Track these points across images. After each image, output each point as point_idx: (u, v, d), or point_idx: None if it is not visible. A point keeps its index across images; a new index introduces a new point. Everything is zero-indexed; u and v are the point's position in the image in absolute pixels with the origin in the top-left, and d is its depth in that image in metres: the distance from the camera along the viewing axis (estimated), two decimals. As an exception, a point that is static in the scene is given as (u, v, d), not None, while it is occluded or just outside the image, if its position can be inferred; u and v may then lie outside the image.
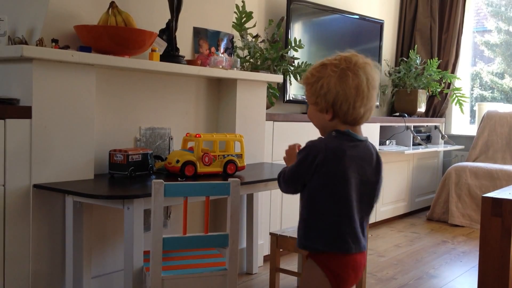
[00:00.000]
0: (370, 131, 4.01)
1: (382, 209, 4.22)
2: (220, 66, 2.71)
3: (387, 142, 4.45)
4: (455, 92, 4.93)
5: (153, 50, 2.39)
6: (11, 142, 1.94)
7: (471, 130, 5.19)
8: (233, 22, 3.12)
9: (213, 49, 2.92)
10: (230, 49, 3.04)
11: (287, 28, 3.59)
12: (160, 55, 2.45)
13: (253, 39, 3.20)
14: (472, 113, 5.32)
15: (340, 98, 1.49)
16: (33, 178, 2.01)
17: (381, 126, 4.22)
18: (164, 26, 2.55)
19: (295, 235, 2.29)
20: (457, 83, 5.07)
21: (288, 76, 3.45)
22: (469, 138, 5.06)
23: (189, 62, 2.61)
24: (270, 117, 3.08)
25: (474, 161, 4.68)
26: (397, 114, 4.78)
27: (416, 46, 5.01)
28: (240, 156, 2.46)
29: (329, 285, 1.50)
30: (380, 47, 4.54)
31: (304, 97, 3.80)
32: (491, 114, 4.80)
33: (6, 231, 1.95)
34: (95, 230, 2.27)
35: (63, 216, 2.11)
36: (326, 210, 1.50)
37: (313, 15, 3.88)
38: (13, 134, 1.95)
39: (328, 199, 1.49)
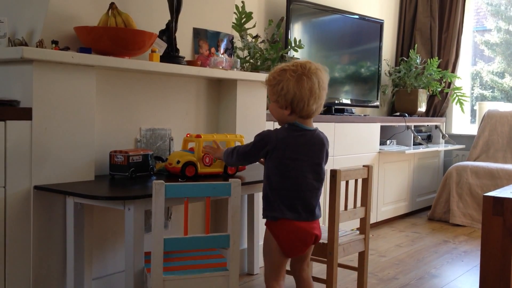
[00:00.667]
0: (370, 131, 4.01)
1: (383, 209, 4.22)
2: (220, 67, 2.71)
3: (388, 142, 4.44)
4: (455, 91, 4.93)
5: (153, 51, 2.39)
6: (12, 144, 1.94)
7: (472, 129, 5.19)
8: (233, 22, 3.12)
9: (213, 49, 2.92)
10: (230, 50, 3.04)
11: (287, 28, 3.59)
12: (160, 56, 2.45)
13: (253, 40, 3.20)
14: (473, 112, 5.32)
15: (297, 97, 1.86)
16: (33, 180, 2.01)
17: (381, 126, 4.22)
18: (164, 27, 2.55)
19: (296, 236, 2.30)
20: (457, 83, 5.07)
21: (288, 77, 3.44)
22: (470, 137, 5.06)
23: (189, 63, 2.61)
24: (270, 118, 3.07)
25: (475, 160, 4.68)
26: (398, 114, 4.78)
27: (416, 45, 5.01)
28: None
29: (277, 247, 1.88)
30: (380, 47, 4.53)
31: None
32: (491, 113, 4.80)
33: (7, 233, 1.95)
34: (96, 231, 2.27)
35: (64, 218, 2.11)
36: (279, 187, 1.87)
37: (313, 15, 3.88)
38: (14, 136, 1.95)
39: (280, 178, 1.87)
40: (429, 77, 4.79)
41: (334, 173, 2.21)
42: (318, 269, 2.83)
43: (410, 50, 4.89)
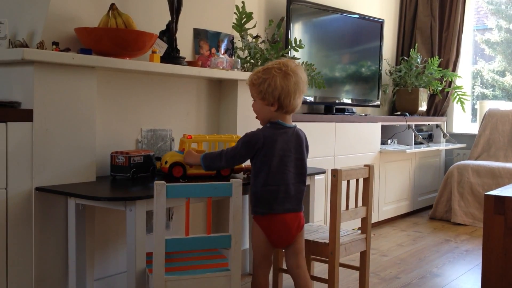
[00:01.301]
0: (371, 131, 4.01)
1: (385, 208, 4.22)
2: (221, 67, 2.71)
3: (389, 141, 4.44)
4: (456, 90, 4.92)
5: (153, 52, 2.39)
6: (13, 145, 1.94)
7: (473, 128, 5.19)
8: (233, 23, 3.12)
9: (213, 50, 2.92)
10: (231, 50, 3.04)
11: (287, 28, 3.59)
12: (161, 57, 2.45)
13: (254, 40, 3.20)
14: (474, 111, 5.31)
15: (284, 92, 1.98)
16: (35, 181, 2.01)
17: (382, 126, 4.22)
18: (164, 27, 2.55)
19: (297, 235, 2.30)
20: (458, 82, 5.07)
21: (289, 76, 3.44)
22: (471, 136, 5.06)
23: (190, 63, 2.61)
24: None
25: (476, 159, 4.67)
26: (399, 113, 4.77)
27: (416, 44, 5.01)
28: None
29: (265, 239, 2.02)
30: (380, 46, 4.53)
31: (305, 97, 3.80)
32: (492, 112, 4.79)
33: (8, 234, 1.95)
34: (97, 232, 2.27)
35: (66, 219, 2.11)
36: (267, 183, 1.99)
37: (313, 15, 3.88)
38: (15, 137, 1.95)
39: (267, 174, 1.98)
40: (429, 76, 4.79)
41: (335, 172, 2.21)
42: (319, 269, 2.83)
43: (411, 49, 4.88)
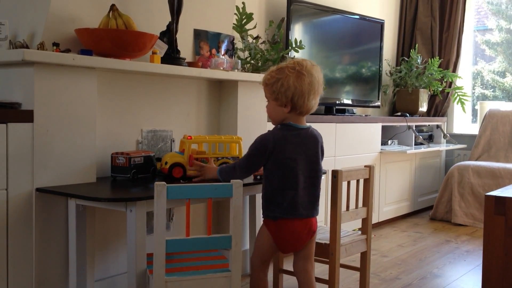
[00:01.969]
0: (372, 131, 4.01)
1: (385, 209, 4.22)
2: (221, 68, 2.71)
3: (389, 142, 4.44)
4: (456, 91, 4.92)
5: (154, 53, 2.39)
6: (13, 146, 1.94)
7: (473, 129, 5.19)
8: (234, 23, 3.12)
9: (213, 51, 2.92)
10: (231, 51, 3.04)
11: (288, 29, 3.59)
12: (161, 58, 2.45)
13: (254, 41, 3.20)
14: (474, 112, 5.31)
15: (297, 93, 1.91)
16: (35, 182, 2.01)
17: (383, 126, 4.22)
18: (164, 28, 2.56)
19: (298, 236, 2.29)
20: (458, 82, 5.07)
21: (289, 77, 3.44)
22: (471, 137, 5.06)
23: (190, 64, 2.61)
24: (271, 118, 3.08)
25: (476, 160, 4.67)
26: (399, 114, 4.77)
27: (417, 45, 5.01)
28: (237, 158, 2.42)
29: (272, 243, 1.97)
30: (380, 47, 4.53)
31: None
32: (493, 112, 4.79)
33: (9, 235, 1.95)
34: (98, 233, 2.27)
35: (66, 220, 2.11)
36: (278, 187, 1.92)
37: (314, 16, 3.88)
38: (15, 138, 1.95)
39: (279, 177, 1.92)
40: (430, 76, 4.79)
41: (335, 173, 2.21)
42: (320, 269, 2.83)
43: (411, 50, 4.88)
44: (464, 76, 5.15)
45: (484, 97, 5.39)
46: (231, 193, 1.80)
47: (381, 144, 4.21)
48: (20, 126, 1.96)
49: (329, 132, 3.57)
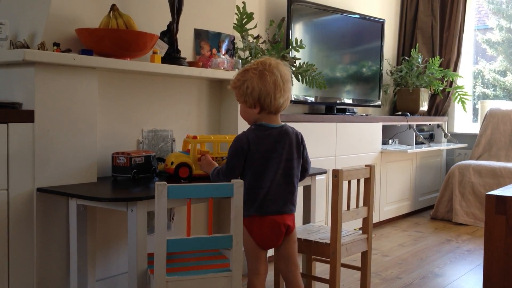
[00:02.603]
0: (372, 131, 4.01)
1: (386, 208, 4.22)
2: (222, 68, 2.71)
3: (390, 141, 4.44)
4: (457, 90, 4.92)
5: (154, 53, 2.39)
6: (14, 146, 1.94)
7: (474, 128, 5.19)
8: (234, 23, 3.12)
9: (214, 50, 2.92)
10: (231, 51, 3.04)
11: (288, 28, 3.59)
12: (162, 57, 2.45)
13: (254, 40, 3.20)
14: (475, 111, 5.31)
15: (263, 93, 1.93)
16: (36, 182, 2.01)
17: (383, 126, 4.22)
18: (165, 28, 2.56)
19: (299, 236, 2.29)
20: (459, 81, 5.06)
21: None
22: (472, 136, 5.06)
23: (191, 64, 2.61)
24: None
25: (477, 159, 4.67)
26: (400, 113, 4.77)
27: (417, 44, 5.01)
28: None
29: (252, 241, 1.97)
30: (381, 47, 4.53)
31: (306, 97, 3.80)
32: (493, 112, 4.79)
33: (10, 235, 1.95)
34: (99, 233, 2.27)
35: (67, 220, 2.12)
36: (251, 186, 1.94)
37: (314, 15, 3.88)
38: (16, 138, 1.95)
39: (252, 177, 1.94)
40: (430, 76, 4.79)
41: (336, 173, 2.21)
42: (321, 269, 2.83)
43: (412, 49, 4.88)
44: (465, 75, 5.15)
45: (485, 96, 5.39)
46: (231, 192, 1.80)
47: (382, 144, 4.21)
48: (21, 126, 1.96)
49: (330, 132, 3.57)
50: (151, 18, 2.57)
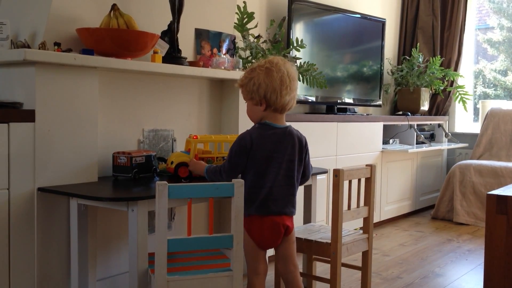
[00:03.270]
0: (373, 130, 4.01)
1: (387, 208, 4.21)
2: (223, 67, 2.71)
3: (391, 141, 4.44)
4: (458, 90, 4.92)
5: (155, 52, 2.39)
6: (15, 146, 1.95)
7: (475, 127, 5.18)
8: (235, 23, 3.12)
9: (215, 50, 2.92)
10: (232, 50, 3.04)
11: (289, 28, 3.59)
12: (162, 57, 2.45)
13: (255, 40, 3.20)
14: (476, 110, 5.31)
15: (269, 89, 1.93)
16: (37, 182, 2.01)
17: (384, 125, 4.22)
18: (165, 28, 2.56)
19: (299, 236, 2.29)
20: (460, 81, 5.06)
21: (290, 76, 3.44)
22: (473, 136, 5.05)
23: (191, 64, 2.61)
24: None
25: (478, 159, 4.67)
26: (400, 113, 4.77)
27: (418, 44, 5.00)
28: None
29: (251, 240, 1.98)
30: (382, 46, 4.53)
31: (307, 97, 3.80)
32: (494, 111, 4.79)
33: (11, 235, 1.95)
34: (99, 232, 2.27)
35: (68, 219, 2.12)
36: (252, 185, 1.94)
37: (315, 15, 3.88)
38: (17, 138, 1.95)
39: (253, 176, 1.94)
40: (431, 75, 4.78)
41: (337, 172, 2.21)
42: (321, 269, 2.83)
43: (412, 49, 4.88)
44: (466, 74, 5.15)
45: (486, 96, 5.39)
46: (232, 192, 1.80)
47: (383, 143, 4.21)
48: (21, 126, 1.97)
49: (331, 131, 3.57)
50: (152, 17, 2.57)
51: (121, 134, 2.42)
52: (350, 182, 2.31)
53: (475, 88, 5.40)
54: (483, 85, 5.43)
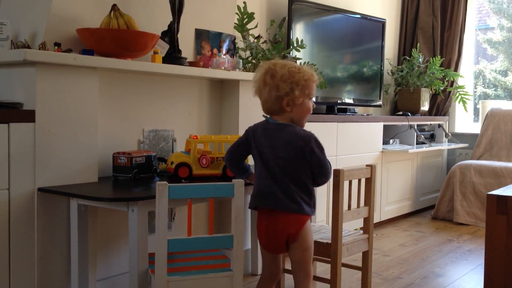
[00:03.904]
0: (373, 131, 4.01)
1: (387, 208, 4.21)
2: (223, 68, 2.71)
3: (391, 141, 4.44)
4: (458, 90, 4.92)
5: (155, 52, 2.40)
6: (15, 146, 1.95)
7: (475, 128, 5.18)
8: (235, 23, 3.12)
9: (215, 50, 2.92)
10: (232, 50, 3.04)
11: (289, 28, 3.59)
12: (163, 57, 2.45)
13: (255, 40, 3.20)
14: (476, 111, 5.31)
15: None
16: (37, 182, 2.01)
17: (384, 125, 4.21)
18: (166, 28, 2.56)
19: (299, 236, 2.29)
20: (460, 81, 5.06)
21: (290, 77, 3.44)
22: (473, 136, 5.05)
23: (192, 64, 2.61)
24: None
25: (478, 159, 4.67)
26: (400, 113, 4.77)
27: (418, 44, 5.00)
28: None
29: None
30: (382, 46, 4.53)
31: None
32: (494, 111, 4.79)
33: (11, 235, 1.96)
34: (100, 232, 2.27)
35: (68, 219, 2.12)
36: (256, 175, 1.96)
37: (315, 15, 3.88)
38: (17, 138, 1.95)
39: (255, 167, 1.97)
40: (431, 76, 4.78)
41: (337, 172, 2.21)
42: (322, 269, 2.83)
43: (413, 49, 4.88)
44: (466, 75, 5.15)
45: (486, 96, 5.38)
46: (232, 192, 1.80)
47: (383, 144, 4.20)
48: (21, 126, 1.97)
49: (331, 132, 3.57)
50: (152, 18, 2.57)
51: (121, 134, 2.42)
52: (350, 182, 2.31)
53: (475, 88, 5.40)
54: (483, 85, 5.43)
